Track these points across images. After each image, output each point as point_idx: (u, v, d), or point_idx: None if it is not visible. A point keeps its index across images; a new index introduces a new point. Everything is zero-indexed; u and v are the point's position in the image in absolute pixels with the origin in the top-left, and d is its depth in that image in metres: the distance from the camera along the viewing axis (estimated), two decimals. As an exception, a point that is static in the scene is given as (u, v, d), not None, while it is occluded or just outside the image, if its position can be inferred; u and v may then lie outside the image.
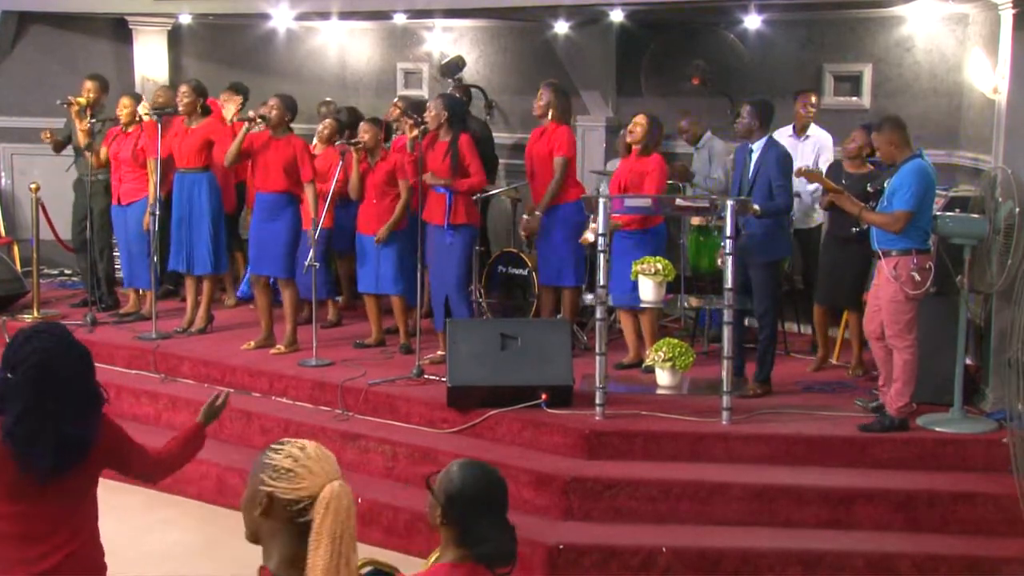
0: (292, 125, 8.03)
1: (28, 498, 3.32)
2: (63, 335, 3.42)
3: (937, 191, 7.12)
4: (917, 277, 6.22)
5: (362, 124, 7.90)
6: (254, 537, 2.66)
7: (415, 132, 7.29)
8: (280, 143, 7.75)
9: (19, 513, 3.32)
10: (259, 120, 7.76)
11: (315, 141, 8.42)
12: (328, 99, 9.94)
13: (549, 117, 7.68)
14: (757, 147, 6.88)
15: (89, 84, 9.00)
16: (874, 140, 6.52)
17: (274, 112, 7.75)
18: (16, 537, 3.33)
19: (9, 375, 3.28)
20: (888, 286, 6.31)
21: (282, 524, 2.58)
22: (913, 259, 6.24)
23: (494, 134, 9.49)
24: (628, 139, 7.42)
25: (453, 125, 7.36)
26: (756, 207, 6.59)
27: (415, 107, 8.34)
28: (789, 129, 8.15)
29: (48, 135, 8.98)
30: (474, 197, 7.50)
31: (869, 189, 6.95)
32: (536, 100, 7.74)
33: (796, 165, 7.18)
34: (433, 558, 3.29)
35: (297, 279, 7.88)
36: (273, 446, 2.66)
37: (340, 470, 2.63)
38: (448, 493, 2.89)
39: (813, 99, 8.06)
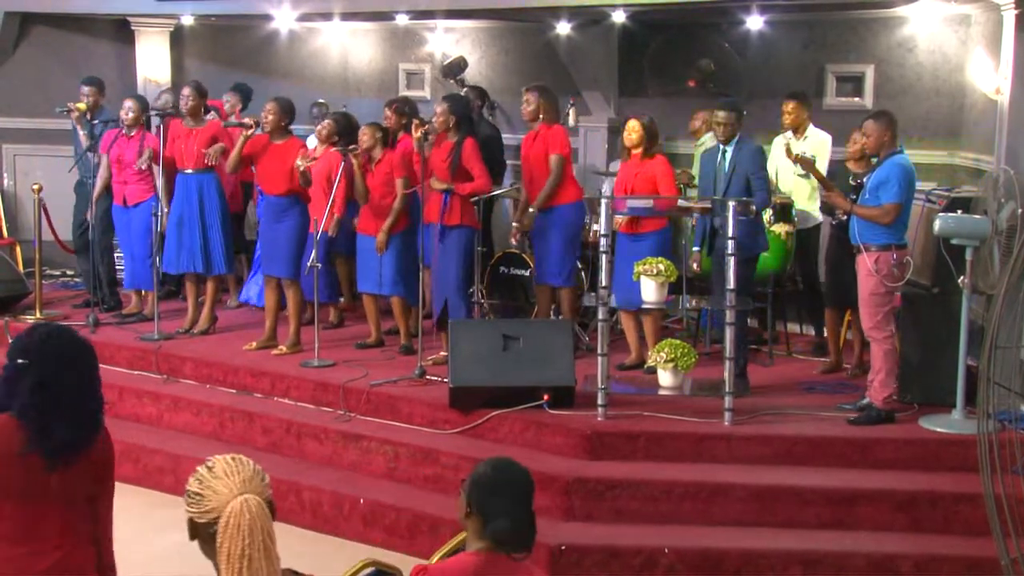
0: (292, 127, 8.04)
1: (29, 498, 3.34)
2: (65, 326, 3.54)
3: (939, 191, 7.14)
4: (896, 272, 6.36)
5: (362, 128, 7.90)
6: (208, 558, 2.67)
7: (419, 133, 7.30)
8: (279, 147, 7.76)
9: (19, 514, 3.34)
10: (254, 125, 7.77)
11: (315, 142, 8.41)
12: (320, 100, 9.92)
13: (540, 119, 7.67)
14: (730, 146, 6.90)
15: (87, 88, 9.01)
16: (867, 127, 6.53)
17: (270, 116, 7.77)
18: (12, 539, 3.35)
19: (20, 360, 3.32)
20: (868, 280, 6.41)
21: (213, 546, 2.58)
22: (893, 254, 6.37)
23: (495, 135, 9.48)
24: (627, 143, 7.41)
25: (460, 128, 7.37)
26: (753, 207, 6.63)
27: (407, 105, 8.36)
28: (789, 132, 8.13)
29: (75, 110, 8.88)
30: (473, 199, 7.49)
31: (851, 183, 6.98)
32: (524, 105, 7.70)
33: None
34: (436, 557, 3.30)
35: (301, 281, 7.88)
36: (198, 467, 2.66)
37: (260, 482, 2.61)
38: (473, 479, 3.03)
39: (789, 106, 8.01)
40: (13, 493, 3.32)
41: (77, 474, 3.39)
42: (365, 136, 7.74)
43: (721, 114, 6.89)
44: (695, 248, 7.23)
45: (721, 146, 6.97)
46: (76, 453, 3.37)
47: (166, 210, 8.27)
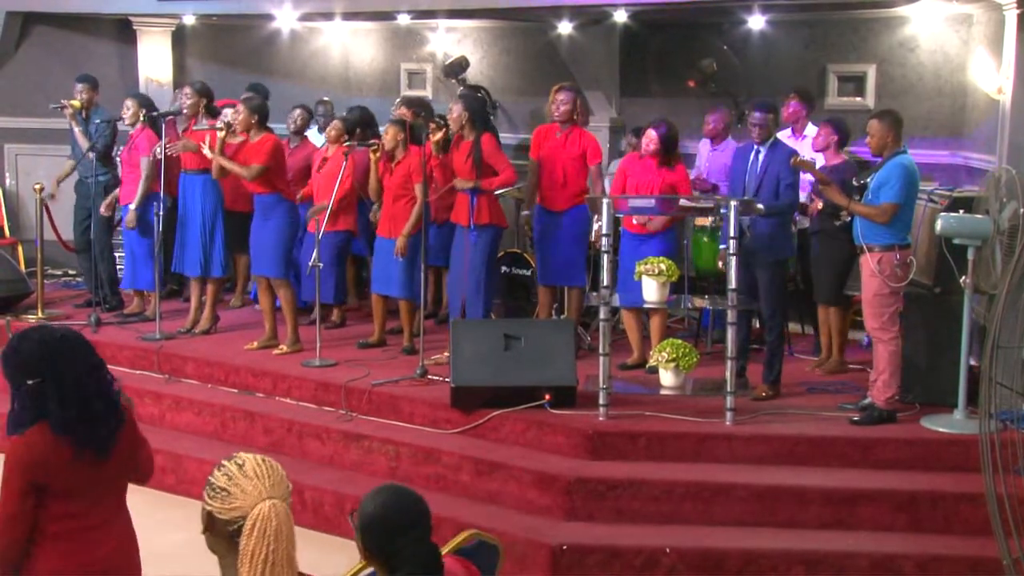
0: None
1: (87, 492, 3.42)
2: (45, 327, 3.54)
3: (941, 191, 7.13)
4: (899, 272, 6.38)
5: (386, 128, 7.87)
6: (212, 552, 2.64)
7: (439, 136, 7.31)
8: (255, 145, 7.76)
9: (73, 511, 3.42)
10: (225, 128, 7.79)
11: (325, 144, 8.41)
12: (325, 98, 9.90)
13: (574, 120, 7.65)
14: (764, 146, 6.88)
15: (80, 86, 9.01)
16: (871, 126, 6.52)
17: (239, 117, 7.78)
18: (73, 532, 3.42)
19: (29, 382, 3.32)
20: (872, 280, 6.42)
21: (226, 543, 2.57)
22: (896, 255, 6.38)
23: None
24: (644, 152, 7.40)
25: (476, 125, 7.39)
26: (760, 206, 6.58)
27: (425, 108, 8.37)
28: (788, 130, 8.14)
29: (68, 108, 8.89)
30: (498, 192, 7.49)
31: (855, 183, 6.97)
32: (557, 104, 7.60)
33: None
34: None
35: (303, 281, 7.88)
36: (222, 461, 2.64)
37: (286, 487, 2.60)
38: (361, 524, 2.81)
39: (791, 102, 7.99)
40: (69, 494, 3.38)
41: (123, 450, 3.50)
42: (388, 137, 7.72)
43: (757, 115, 6.83)
44: (721, 246, 7.21)
45: (755, 145, 6.90)
46: (116, 436, 3.44)
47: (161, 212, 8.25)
